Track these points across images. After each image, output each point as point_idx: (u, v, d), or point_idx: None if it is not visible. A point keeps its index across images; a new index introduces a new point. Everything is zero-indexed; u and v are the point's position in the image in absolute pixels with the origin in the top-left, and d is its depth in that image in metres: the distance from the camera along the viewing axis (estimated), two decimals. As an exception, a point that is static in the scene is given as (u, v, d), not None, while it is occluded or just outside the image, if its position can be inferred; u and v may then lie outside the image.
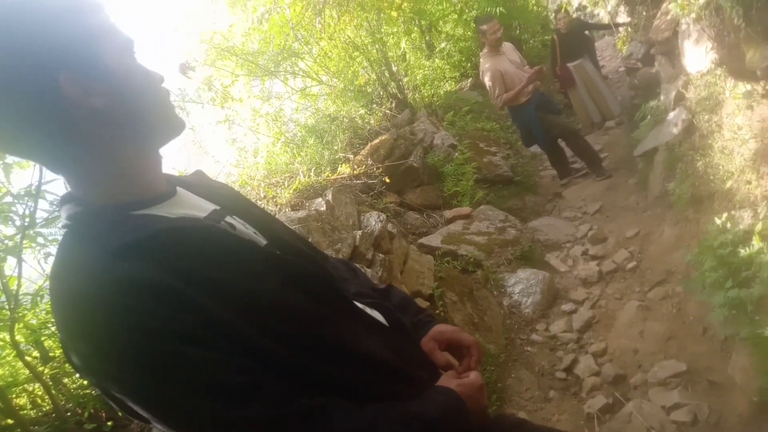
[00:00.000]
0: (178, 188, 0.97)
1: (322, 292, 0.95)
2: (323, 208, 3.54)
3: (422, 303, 3.58)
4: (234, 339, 0.77)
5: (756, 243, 2.50)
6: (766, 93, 2.22)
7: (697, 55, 3.68)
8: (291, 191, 3.66)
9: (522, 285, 4.07)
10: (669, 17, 4.26)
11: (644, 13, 4.76)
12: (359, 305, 1.06)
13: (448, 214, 4.95)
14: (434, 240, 4.44)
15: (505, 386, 3.25)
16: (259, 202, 3.60)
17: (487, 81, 5.28)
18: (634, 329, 3.40)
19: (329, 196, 3.65)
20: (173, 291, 0.74)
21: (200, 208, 0.95)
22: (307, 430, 0.78)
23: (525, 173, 6.05)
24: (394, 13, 4.69)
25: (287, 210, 3.56)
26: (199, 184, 1.04)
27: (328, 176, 3.86)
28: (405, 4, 4.66)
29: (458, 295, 3.78)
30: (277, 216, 3.38)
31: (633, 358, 3.20)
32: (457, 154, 5.53)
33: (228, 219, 0.95)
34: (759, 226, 2.53)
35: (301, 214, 3.32)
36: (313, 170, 3.98)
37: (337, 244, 3.25)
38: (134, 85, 0.86)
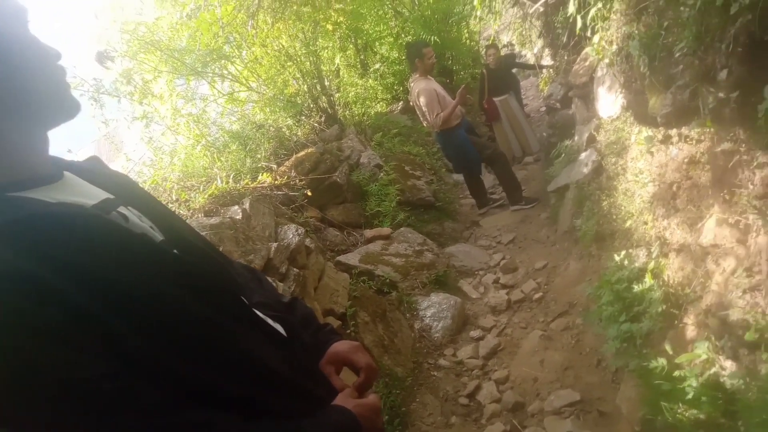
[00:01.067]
0: (67, 173, 0.87)
1: (217, 295, 0.89)
2: (239, 217, 3.40)
3: (334, 322, 3.51)
4: (104, 339, 0.68)
5: (648, 280, 2.67)
6: (665, 139, 2.40)
7: (609, 102, 3.94)
8: (206, 196, 3.49)
9: (434, 309, 4.11)
10: (587, 63, 4.55)
11: (566, 58, 5.06)
12: (260, 315, 1.00)
13: (368, 233, 4.94)
14: (352, 258, 4.39)
15: (409, 410, 3.24)
16: (170, 205, 3.40)
17: (422, 101, 5.35)
18: (536, 358, 3.52)
19: (246, 205, 3.52)
20: (36, 280, 0.65)
21: (89, 195, 0.86)
22: None
23: (446, 200, 6.19)
24: (329, 27, 4.67)
25: (200, 215, 3.38)
26: (92, 171, 0.94)
27: (247, 184, 3.72)
28: (341, 19, 4.66)
29: (371, 315, 3.75)
30: (188, 221, 3.21)
31: (532, 386, 3.30)
32: (382, 174, 5.55)
33: (121, 210, 0.86)
34: (651, 265, 2.71)
35: (214, 220, 3.16)
36: (232, 177, 3.82)
37: (250, 255, 3.11)
38: (23, 57, 0.77)
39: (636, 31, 2.02)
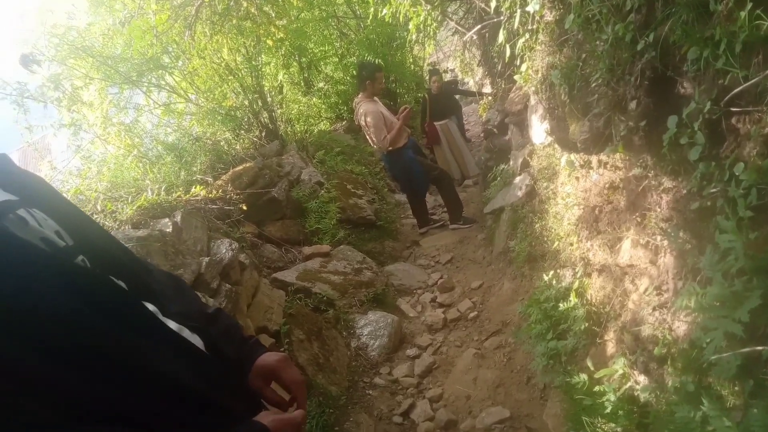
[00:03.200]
0: None
1: (119, 307, 0.84)
2: (169, 230, 3.28)
3: (267, 340, 3.44)
4: None
5: (572, 299, 2.78)
6: (585, 164, 2.54)
7: (541, 129, 4.12)
8: (134, 207, 3.36)
9: (371, 327, 4.10)
10: (522, 92, 4.75)
11: (502, 86, 5.27)
12: (174, 327, 0.96)
13: (307, 250, 4.89)
14: (289, 275, 4.33)
15: (342, 430, 3.20)
16: (95, 216, 3.24)
17: (369, 122, 5.39)
18: (469, 376, 3.57)
19: (178, 218, 3.41)
20: None
21: None
22: None
23: (387, 219, 6.23)
24: (270, 42, 4.65)
25: (127, 227, 3.25)
26: None
27: (180, 196, 3.61)
28: (282, 35, 4.65)
29: (306, 333, 3.69)
30: (114, 233, 3.07)
31: (465, 404, 3.33)
32: (323, 191, 5.53)
33: (21, 212, 0.81)
34: (576, 284, 2.83)
35: (142, 232, 3.04)
36: (164, 189, 3.70)
37: (180, 269, 3.01)
38: None
39: (558, 62, 2.15)
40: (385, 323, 4.13)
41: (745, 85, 1.35)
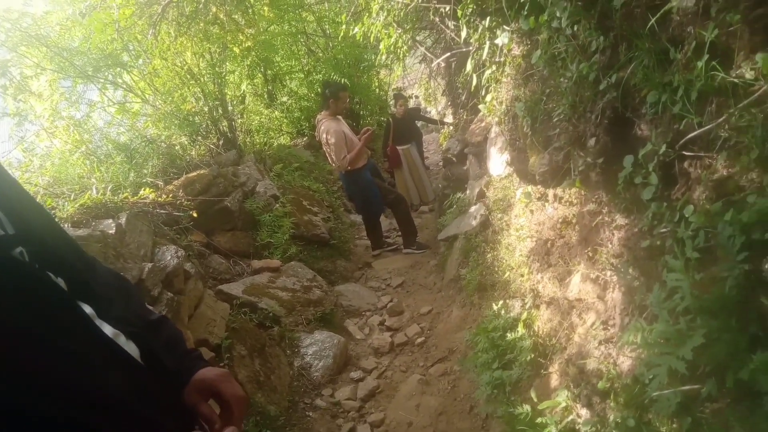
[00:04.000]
0: None
1: (49, 307, 0.78)
2: (112, 231, 3.11)
3: (207, 353, 3.28)
4: None
5: (520, 329, 2.81)
6: (542, 196, 2.59)
7: (499, 161, 4.22)
8: (76, 205, 3.17)
9: (316, 347, 4.01)
10: (483, 124, 4.87)
11: (464, 117, 5.38)
12: (109, 332, 0.89)
13: (256, 264, 4.76)
14: (235, 288, 4.19)
15: (278, 452, 3.08)
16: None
17: (331, 141, 5.37)
18: (412, 402, 3.52)
19: (122, 220, 3.24)
20: None
21: None
22: None
23: (341, 238, 6.18)
24: (236, 50, 4.57)
25: (67, 226, 3.06)
26: None
27: (126, 198, 3.45)
28: (250, 45, 4.59)
29: (248, 349, 3.56)
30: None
31: (406, 430, 3.28)
32: (278, 205, 5.43)
33: None
34: (524, 315, 2.86)
35: (82, 232, 2.88)
36: (110, 188, 3.52)
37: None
38: None
39: (522, 95, 2.20)
40: (331, 344, 4.05)
41: (699, 131, 1.41)
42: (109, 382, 0.81)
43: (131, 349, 0.92)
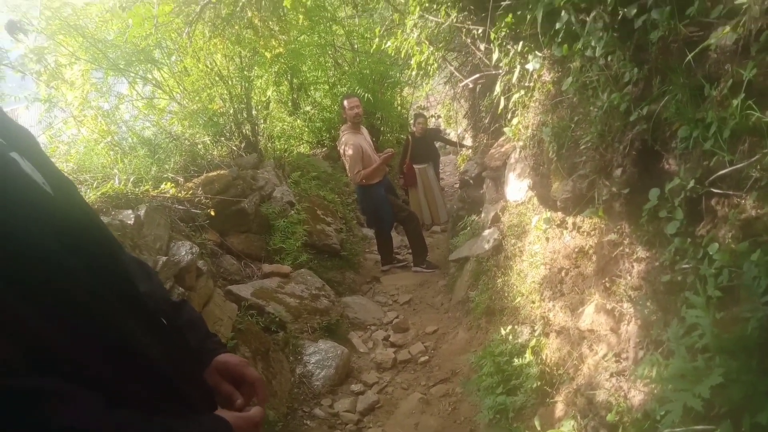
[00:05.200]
0: None
1: (105, 269, 0.81)
2: (131, 222, 3.15)
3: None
4: None
5: (528, 356, 2.78)
6: (561, 223, 2.59)
7: (517, 188, 4.22)
8: (98, 193, 3.22)
9: (319, 356, 3.99)
10: (503, 149, 4.88)
11: (485, 141, 5.40)
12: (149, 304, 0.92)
13: (266, 267, 4.77)
14: (245, 290, 4.20)
15: (273, 458, 3.05)
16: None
17: (348, 153, 5.43)
18: (411, 420, 3.49)
19: (141, 211, 3.28)
20: None
21: None
22: (23, 411, 0.61)
23: (352, 251, 6.18)
24: (268, 54, 4.65)
25: (87, 213, 3.10)
26: None
27: (147, 190, 3.49)
28: (281, 51, 4.66)
29: (252, 352, 3.56)
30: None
31: (403, 448, 3.25)
32: (293, 212, 5.46)
33: (14, 155, 0.76)
34: (533, 342, 2.83)
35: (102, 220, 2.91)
36: (132, 180, 3.57)
37: (134, 265, 2.88)
38: None
39: (550, 120, 2.21)
40: (334, 354, 4.03)
41: (729, 168, 1.41)
42: (143, 342, 0.82)
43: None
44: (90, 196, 3.16)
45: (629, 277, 1.86)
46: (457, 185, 8.53)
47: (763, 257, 1.33)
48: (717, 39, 1.45)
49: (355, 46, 8.80)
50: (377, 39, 3.87)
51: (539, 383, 2.66)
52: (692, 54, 1.50)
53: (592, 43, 1.86)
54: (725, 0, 1.47)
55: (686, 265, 1.58)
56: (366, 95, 7.74)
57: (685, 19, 1.55)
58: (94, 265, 0.77)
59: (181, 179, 4.24)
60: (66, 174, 0.97)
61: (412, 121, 8.65)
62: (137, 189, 3.51)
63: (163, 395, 0.83)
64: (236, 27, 4.35)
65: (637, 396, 1.72)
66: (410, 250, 6.29)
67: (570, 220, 2.50)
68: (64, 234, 0.75)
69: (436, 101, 11.94)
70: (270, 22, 4.15)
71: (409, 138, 7.81)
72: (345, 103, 5.51)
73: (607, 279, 2.03)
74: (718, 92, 1.45)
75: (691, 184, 1.54)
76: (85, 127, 4.63)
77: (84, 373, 0.71)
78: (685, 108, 1.54)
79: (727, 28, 1.41)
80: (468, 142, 8.48)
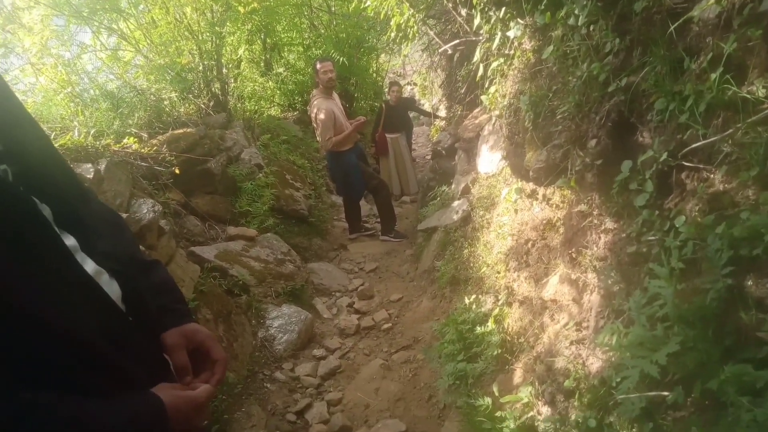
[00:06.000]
0: None
1: (27, 235, 0.73)
2: (90, 176, 3.03)
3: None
4: None
5: (490, 324, 2.82)
6: (532, 193, 2.60)
7: (489, 160, 4.22)
8: (57, 145, 3.05)
9: (282, 320, 3.97)
10: (477, 121, 4.87)
11: (459, 112, 5.37)
12: (90, 269, 0.85)
13: (232, 230, 4.69)
14: (208, 252, 4.11)
15: (232, 419, 3.04)
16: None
17: (320, 117, 5.30)
18: (372, 385, 3.52)
19: (102, 166, 3.15)
20: None
21: None
22: None
23: (320, 217, 6.13)
24: (241, 9, 4.44)
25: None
26: None
27: (108, 144, 3.34)
28: (256, 6, 4.46)
29: (214, 314, 3.51)
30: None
31: (363, 412, 3.28)
32: (261, 175, 5.35)
33: None
34: (496, 311, 2.87)
35: (58, 171, 2.78)
36: (92, 133, 3.41)
37: (92, 218, 2.77)
38: None
39: (528, 89, 2.19)
40: (297, 319, 4.02)
41: (702, 142, 1.42)
42: (82, 323, 0.77)
43: (112, 289, 0.89)
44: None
45: (596, 248, 1.88)
46: (429, 157, 8.51)
47: (727, 230, 1.36)
48: (700, 11, 1.44)
49: (333, 9, 8.56)
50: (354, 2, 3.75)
51: (500, 351, 2.70)
52: (675, 26, 1.49)
53: (576, 12, 1.84)
54: (711, -29, 1.46)
55: (652, 237, 1.60)
56: (341, 59, 7.57)
57: (669, -10, 1.53)
58: (15, 235, 0.71)
59: (145, 135, 4.09)
60: (31, 115, 0.88)
61: (387, 89, 8.53)
62: (98, 142, 3.36)
63: (92, 373, 0.77)
64: (209, -24, 4.15)
65: (595, 363, 1.76)
66: (379, 219, 6.28)
67: (540, 191, 2.51)
68: None
69: (412, 70, 11.80)
70: (245, -26, 3.97)
71: (383, 106, 7.70)
72: (318, 66, 5.36)
73: (573, 250, 2.05)
74: (698, 65, 1.45)
75: (664, 156, 1.55)
76: (44, 76, 4.40)
77: (21, 362, 0.66)
78: (663, 80, 1.54)
79: (711, 1, 1.40)
80: (442, 113, 8.43)
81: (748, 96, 1.31)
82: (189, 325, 1.03)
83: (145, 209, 3.29)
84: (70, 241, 0.84)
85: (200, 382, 0.99)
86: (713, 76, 1.38)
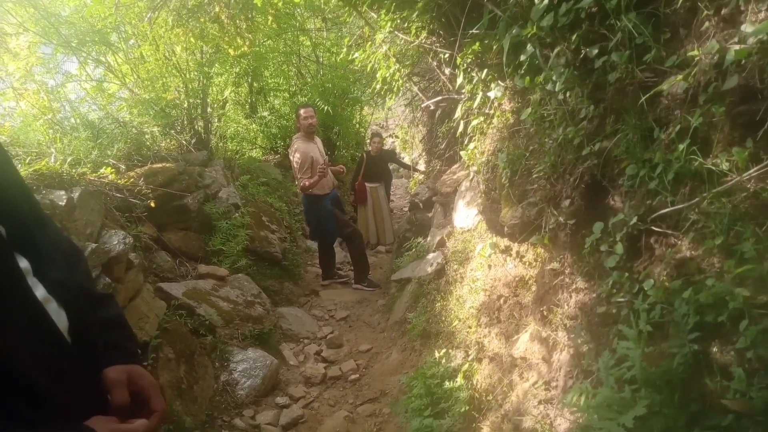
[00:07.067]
0: None
1: None
2: (62, 203, 2.97)
3: (131, 350, 3.10)
4: None
5: (459, 380, 2.78)
6: (506, 249, 2.63)
7: (465, 215, 4.29)
8: (30, 170, 3.02)
9: (247, 365, 3.85)
10: (455, 177, 4.97)
11: (438, 167, 5.49)
12: (40, 295, 0.83)
13: (203, 268, 4.60)
14: (176, 289, 4.01)
15: (185, 467, 2.88)
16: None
17: (296, 160, 5.36)
18: (335, 438, 3.40)
19: (76, 194, 3.09)
20: None
21: None
22: None
23: (294, 261, 6.07)
24: (232, 52, 4.54)
25: (14, 188, 2.89)
26: None
27: (84, 173, 3.30)
28: (246, 50, 4.57)
29: (177, 353, 3.38)
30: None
31: (324, 466, 3.15)
32: (237, 215, 5.31)
33: None
34: (466, 366, 2.84)
35: (29, 197, 2.71)
36: (69, 161, 3.37)
37: (58, 247, 2.69)
38: None
39: (506, 148, 2.26)
40: (263, 364, 3.90)
41: (670, 209, 1.47)
42: (21, 351, 0.74)
43: (60, 318, 0.86)
44: (21, 171, 2.95)
45: (566, 307, 1.90)
46: (406, 209, 8.59)
47: (693, 296, 1.39)
48: (669, 86, 1.53)
49: (321, 59, 8.80)
50: (345, 49, 3.87)
51: (467, 408, 2.66)
52: (645, 97, 1.58)
53: (554, 78, 1.93)
54: (679, 51, 1.56)
55: (622, 299, 1.62)
56: (326, 108, 7.72)
57: (642, 65, 1.63)
58: None
59: (122, 167, 4.05)
60: None
61: (368, 140, 8.68)
62: (74, 170, 3.32)
63: (25, 400, 0.75)
64: (202, 20, 4.24)
65: (563, 424, 1.74)
66: (352, 267, 6.24)
67: (515, 248, 2.55)
68: None
69: (394, 123, 12.08)
70: (238, 20, 4.07)
71: (364, 155, 7.81)
72: (301, 111, 5.47)
73: (545, 307, 2.07)
74: (667, 136, 1.52)
75: (634, 220, 1.60)
76: (25, 100, 4.37)
77: None
78: (634, 148, 1.61)
79: (679, 77, 1.49)
80: (421, 167, 8.58)
81: (713, 168, 1.37)
82: (134, 367, 1.00)
83: (116, 240, 3.22)
84: (23, 263, 0.82)
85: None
86: (681, 146, 1.45)
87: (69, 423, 0.80)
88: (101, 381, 0.94)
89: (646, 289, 1.54)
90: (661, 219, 1.54)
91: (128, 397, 0.95)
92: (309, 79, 8.83)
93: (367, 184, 7.71)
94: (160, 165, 4.51)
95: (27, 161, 3.19)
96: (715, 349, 1.34)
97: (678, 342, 1.40)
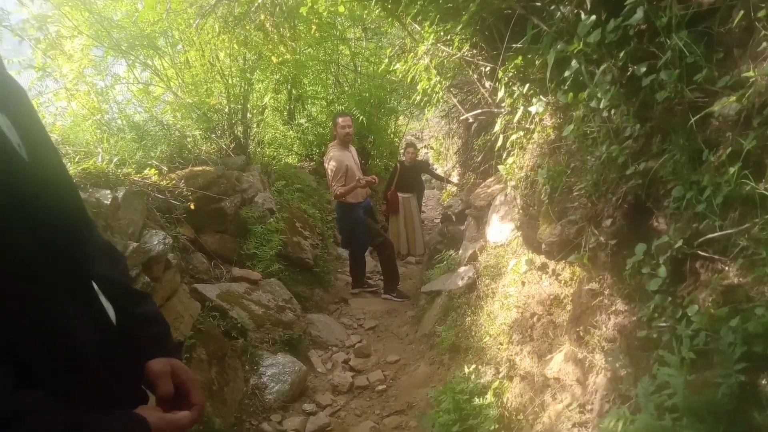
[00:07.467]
0: None
1: (58, 246, 0.76)
2: (107, 202, 3.07)
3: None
4: None
5: (489, 397, 2.74)
6: (542, 266, 2.59)
7: (499, 230, 4.24)
8: (78, 168, 3.13)
9: (276, 369, 3.88)
10: (489, 190, 4.93)
11: (472, 180, 5.45)
12: (95, 288, 0.86)
13: (237, 271, 4.68)
14: (210, 291, 4.09)
15: (213, 467, 2.92)
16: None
17: (331, 168, 5.43)
18: (360, 449, 3.39)
19: (120, 193, 3.20)
20: None
21: None
22: None
23: (325, 268, 6.11)
24: (274, 59, 4.65)
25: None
26: None
27: (129, 173, 3.41)
28: (288, 57, 4.68)
29: (209, 355, 3.44)
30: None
31: (349, 476, 3.15)
32: (272, 220, 5.40)
33: None
34: (496, 384, 2.80)
35: (77, 196, 2.82)
36: (114, 161, 3.49)
37: (103, 245, 2.78)
38: None
39: (546, 164, 2.24)
40: (291, 369, 3.93)
41: (718, 233, 1.43)
42: (78, 332, 0.77)
43: (108, 311, 0.89)
44: (70, 170, 3.07)
45: (605, 329, 1.86)
46: (437, 220, 8.56)
47: (741, 325, 1.34)
48: (721, 107, 1.49)
49: (359, 68, 8.90)
50: (386, 60, 3.91)
51: (497, 426, 2.62)
52: (695, 118, 1.54)
53: (598, 95, 1.90)
54: (733, 71, 1.52)
55: (664, 324, 1.58)
56: (361, 117, 7.79)
57: (692, 85, 1.59)
58: (47, 241, 0.73)
59: (165, 168, 4.17)
60: (49, 136, 0.92)
61: (402, 150, 8.71)
62: (119, 170, 3.43)
63: (80, 384, 0.77)
64: (247, 27, 4.35)
65: (598, 449, 1.70)
66: (382, 277, 6.25)
67: (551, 265, 2.51)
68: (24, 204, 0.70)
69: (429, 135, 12.08)
70: (282, 28, 4.17)
71: (397, 165, 7.84)
72: (339, 120, 5.54)
73: (581, 328, 2.03)
74: (716, 158, 1.48)
75: (679, 243, 1.55)
76: (76, 101, 4.55)
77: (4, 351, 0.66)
78: (682, 169, 1.57)
79: (732, 98, 1.45)
80: (455, 179, 8.55)
81: (766, 193, 1.33)
82: (176, 360, 1.02)
83: (156, 241, 3.31)
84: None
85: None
86: (732, 169, 1.41)
87: (120, 409, 0.83)
88: (144, 373, 0.97)
89: (690, 314, 1.50)
90: (708, 243, 1.49)
91: (173, 388, 0.98)
92: (346, 88, 8.93)
93: (399, 194, 7.73)
94: (200, 168, 4.62)
95: (76, 160, 3.31)
96: (764, 381, 1.29)
97: (723, 371, 1.36)
